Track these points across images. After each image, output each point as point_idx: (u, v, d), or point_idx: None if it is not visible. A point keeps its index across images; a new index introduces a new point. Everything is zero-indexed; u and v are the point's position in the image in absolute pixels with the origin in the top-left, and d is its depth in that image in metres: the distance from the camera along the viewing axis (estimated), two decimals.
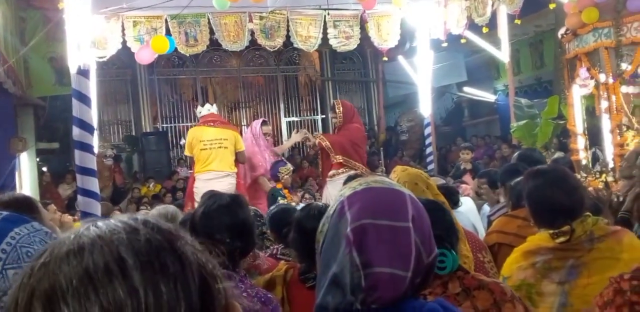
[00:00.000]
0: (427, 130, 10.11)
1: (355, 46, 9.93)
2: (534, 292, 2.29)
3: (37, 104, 10.75)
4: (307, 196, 7.67)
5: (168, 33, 8.58)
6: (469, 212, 4.29)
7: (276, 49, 9.81)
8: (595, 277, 2.19)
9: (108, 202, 8.69)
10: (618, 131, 5.65)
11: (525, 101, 10.20)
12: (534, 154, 4.71)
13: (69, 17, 5.45)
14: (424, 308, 1.19)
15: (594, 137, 6.44)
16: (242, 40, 9.04)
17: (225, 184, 6.73)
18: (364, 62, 17.10)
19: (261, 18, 9.05)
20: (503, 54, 10.42)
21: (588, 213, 2.35)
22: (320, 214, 1.37)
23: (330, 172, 7.18)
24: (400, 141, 16.19)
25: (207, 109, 7.41)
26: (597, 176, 5.59)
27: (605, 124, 5.97)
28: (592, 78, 5.92)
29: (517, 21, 8.00)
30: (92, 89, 6.24)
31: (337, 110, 7.23)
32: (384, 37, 9.62)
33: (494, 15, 8.80)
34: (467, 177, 7.52)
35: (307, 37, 9.26)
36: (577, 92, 6.25)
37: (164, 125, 15.70)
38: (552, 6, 7.29)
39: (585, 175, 5.66)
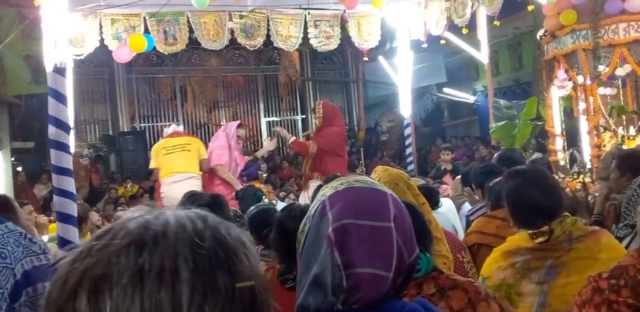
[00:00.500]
0: (407, 131, 10.14)
1: (336, 46, 9.91)
2: (513, 292, 2.30)
3: (12, 102, 10.60)
4: (291, 196, 7.61)
5: (147, 31, 8.48)
6: (448, 213, 4.30)
7: (256, 48, 9.76)
8: (574, 277, 2.21)
9: (84, 202, 8.56)
10: (595, 132, 5.70)
11: (504, 102, 10.29)
12: (514, 155, 4.74)
13: (45, 14, 5.35)
14: (405, 308, 1.18)
15: (571, 138, 6.49)
16: (221, 39, 8.96)
17: (191, 186, 6.38)
18: (344, 62, 17.13)
19: (241, 17, 8.99)
20: (482, 55, 10.49)
21: (567, 213, 2.37)
22: (302, 215, 1.36)
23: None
24: (380, 142, 16.25)
25: (172, 128, 7.44)
26: (575, 176, 5.63)
27: (583, 125, 6.02)
28: (570, 80, 5.97)
29: (496, 22, 8.03)
30: (69, 88, 6.14)
31: (317, 112, 7.18)
32: (365, 38, 9.62)
33: (473, 16, 8.84)
34: (447, 178, 7.56)
35: (287, 36, 9.22)
36: (555, 94, 6.30)
37: (142, 124, 15.56)
38: (530, 8, 7.34)
39: (563, 176, 5.71)
